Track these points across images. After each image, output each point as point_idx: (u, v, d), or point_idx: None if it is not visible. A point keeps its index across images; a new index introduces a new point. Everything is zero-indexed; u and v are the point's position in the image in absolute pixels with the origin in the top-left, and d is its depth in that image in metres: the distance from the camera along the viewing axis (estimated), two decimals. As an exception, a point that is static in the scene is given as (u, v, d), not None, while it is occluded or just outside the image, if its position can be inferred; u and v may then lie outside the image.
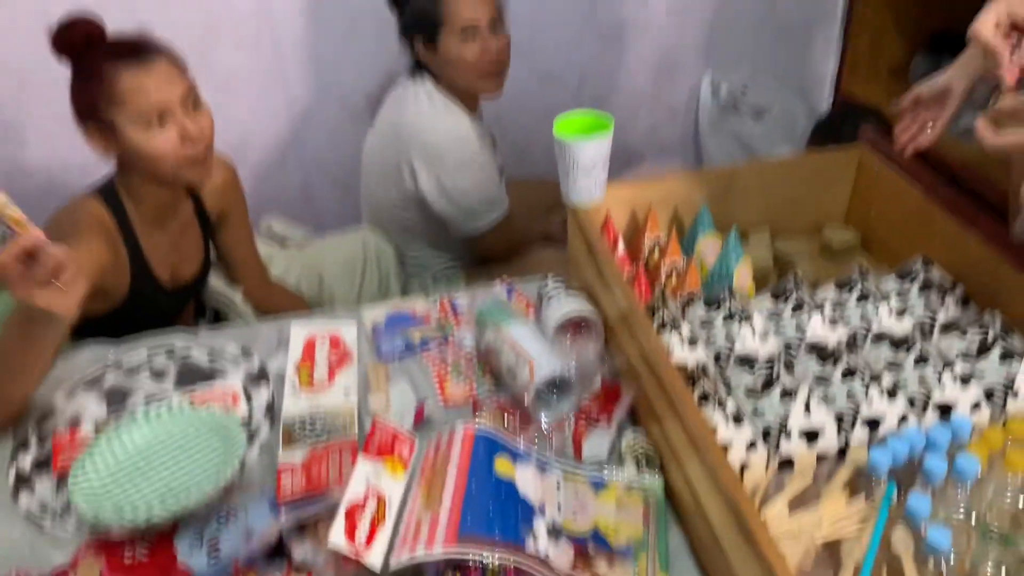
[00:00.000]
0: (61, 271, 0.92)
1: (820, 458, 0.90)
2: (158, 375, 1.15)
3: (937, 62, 2.41)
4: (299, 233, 2.03)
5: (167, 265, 1.42)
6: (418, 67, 1.80)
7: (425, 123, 1.77)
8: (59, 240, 1.21)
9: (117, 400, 1.11)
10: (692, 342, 1.02)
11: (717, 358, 1.02)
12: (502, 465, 0.90)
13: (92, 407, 1.10)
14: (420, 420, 1.06)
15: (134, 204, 1.33)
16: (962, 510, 0.81)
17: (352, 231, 1.98)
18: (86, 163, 1.43)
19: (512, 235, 1.92)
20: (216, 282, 1.63)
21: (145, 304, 1.39)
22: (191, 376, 1.15)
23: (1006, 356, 0.97)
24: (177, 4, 1.95)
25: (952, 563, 0.77)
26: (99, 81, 1.21)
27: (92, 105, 1.22)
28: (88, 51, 1.23)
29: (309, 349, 1.19)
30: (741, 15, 2.41)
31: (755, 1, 2.39)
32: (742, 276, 1.18)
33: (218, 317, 1.65)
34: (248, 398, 1.11)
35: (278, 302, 1.67)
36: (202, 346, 1.21)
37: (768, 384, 0.95)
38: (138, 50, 1.23)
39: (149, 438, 1.02)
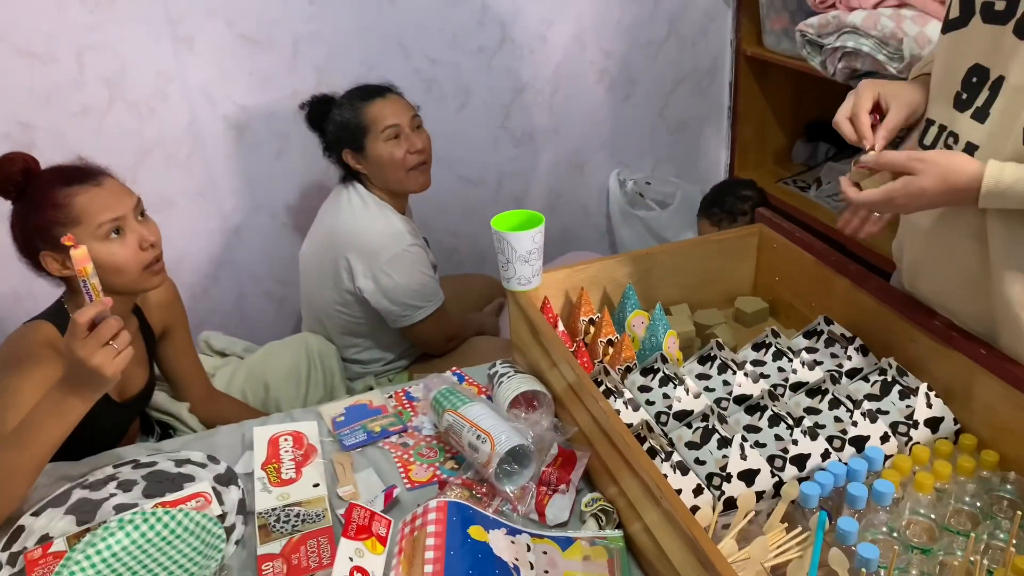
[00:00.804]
0: (117, 336, 1.04)
1: (758, 496, 1.01)
2: (126, 487, 1.17)
3: (814, 147, 2.71)
4: (239, 345, 2.07)
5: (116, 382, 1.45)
6: (349, 175, 1.92)
7: (359, 223, 1.88)
8: (12, 365, 1.25)
9: (86, 514, 1.12)
10: (634, 405, 1.13)
11: (658, 418, 1.14)
12: (476, 531, 0.97)
13: (61, 523, 1.11)
14: (390, 503, 1.12)
15: None
16: (885, 528, 0.93)
17: (293, 336, 2.03)
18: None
19: (447, 327, 2.02)
20: (160, 397, 1.65)
21: (96, 420, 1.41)
22: (160, 485, 1.17)
23: (904, 394, 1.12)
24: (108, 129, 2.03)
25: (881, 575, 0.88)
26: (53, 206, 1.27)
27: (46, 230, 1.27)
28: (28, 183, 1.29)
29: (273, 448, 1.24)
30: (639, 117, 2.65)
31: (649, 104, 2.64)
32: (670, 345, 1.31)
33: (165, 434, 1.66)
34: (219, 499, 1.14)
35: (225, 413, 1.69)
36: (167, 456, 1.24)
37: (706, 436, 1.06)
38: (86, 172, 1.32)
39: (126, 544, 1.03)
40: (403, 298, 1.89)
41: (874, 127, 1.09)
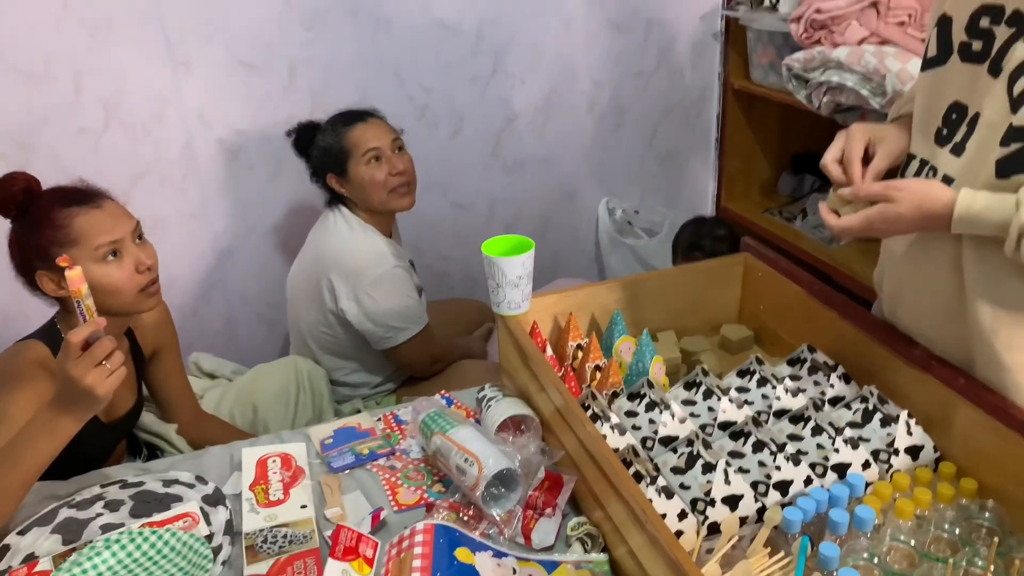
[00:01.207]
0: (110, 356, 1.05)
1: (742, 521, 1.02)
2: (113, 506, 1.18)
3: (800, 179, 2.75)
4: (228, 367, 2.07)
5: None
6: (334, 199, 1.95)
7: (343, 245, 1.91)
8: (2, 384, 1.26)
9: (73, 533, 1.12)
10: (620, 430, 1.15)
11: (644, 442, 1.15)
12: (462, 554, 0.98)
13: (47, 543, 1.11)
14: (377, 525, 1.13)
15: None
16: (865, 554, 0.94)
17: (282, 359, 2.04)
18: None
19: (432, 349, 2.03)
20: (148, 418, 1.65)
21: (84, 439, 1.41)
22: (147, 505, 1.18)
23: (885, 422, 1.14)
24: (104, 150, 2.05)
25: (862, 599, 0.89)
26: (51, 226, 1.28)
27: (43, 250, 1.28)
28: (29, 203, 1.30)
29: (262, 469, 1.25)
30: (628, 146, 2.69)
31: (639, 134, 2.68)
32: (657, 371, 1.32)
33: (152, 455, 1.66)
34: (207, 519, 1.15)
35: (213, 435, 1.69)
36: (155, 476, 1.25)
37: (691, 461, 1.08)
38: (86, 194, 1.33)
39: (112, 564, 1.04)
40: (386, 320, 1.90)
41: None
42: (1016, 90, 0.97)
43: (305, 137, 1.94)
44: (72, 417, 1.09)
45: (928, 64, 1.11)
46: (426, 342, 1.99)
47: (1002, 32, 0.99)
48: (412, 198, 1.96)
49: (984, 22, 1.02)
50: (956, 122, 1.06)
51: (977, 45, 1.02)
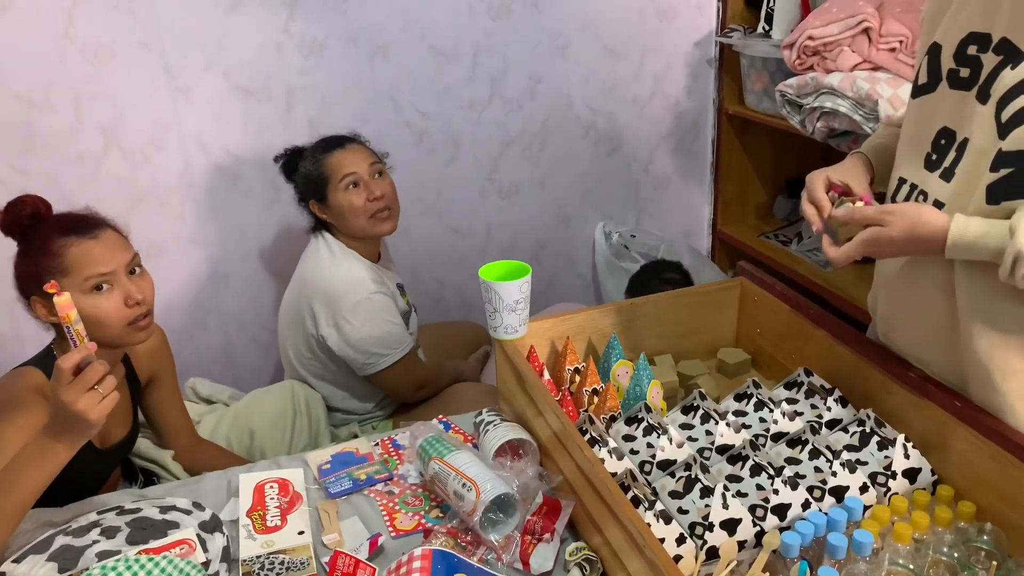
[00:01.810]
0: (102, 381, 1.05)
1: (740, 545, 1.02)
2: (109, 533, 1.17)
3: (795, 203, 2.77)
4: (225, 392, 2.07)
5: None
6: (318, 224, 1.96)
7: (323, 271, 1.90)
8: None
9: (69, 561, 1.12)
10: (618, 454, 1.15)
11: (642, 467, 1.15)
12: (461, 580, 0.98)
13: (43, 570, 1.10)
14: (374, 551, 1.12)
15: None
16: (864, 578, 0.94)
17: (279, 383, 2.03)
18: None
19: (416, 376, 2.00)
20: (144, 444, 1.64)
21: (78, 466, 1.40)
22: (144, 531, 1.17)
23: (883, 445, 1.14)
24: (103, 176, 2.06)
25: (862, 624, 0.89)
26: (47, 254, 1.29)
27: (38, 276, 1.28)
28: (34, 227, 1.31)
29: (259, 495, 1.24)
30: (624, 171, 2.71)
31: (635, 159, 2.70)
32: (654, 395, 1.33)
33: (148, 481, 1.65)
34: (204, 546, 1.14)
35: (209, 461, 1.68)
36: (151, 502, 1.24)
37: (689, 485, 1.08)
38: (86, 224, 1.33)
39: (108, 592, 1.03)
40: (366, 346, 1.89)
41: (845, 194, 1.15)
42: (1004, 116, 0.98)
43: (292, 162, 1.95)
44: (65, 443, 1.09)
45: (918, 91, 1.13)
46: (409, 368, 1.96)
47: (989, 60, 1.01)
48: (394, 223, 1.94)
49: (972, 49, 1.04)
50: (945, 147, 1.07)
51: (965, 72, 1.04)
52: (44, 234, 1.31)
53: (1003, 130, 0.99)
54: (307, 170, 1.91)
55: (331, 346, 1.90)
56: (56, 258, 1.29)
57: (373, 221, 1.90)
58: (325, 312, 1.88)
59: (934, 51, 1.10)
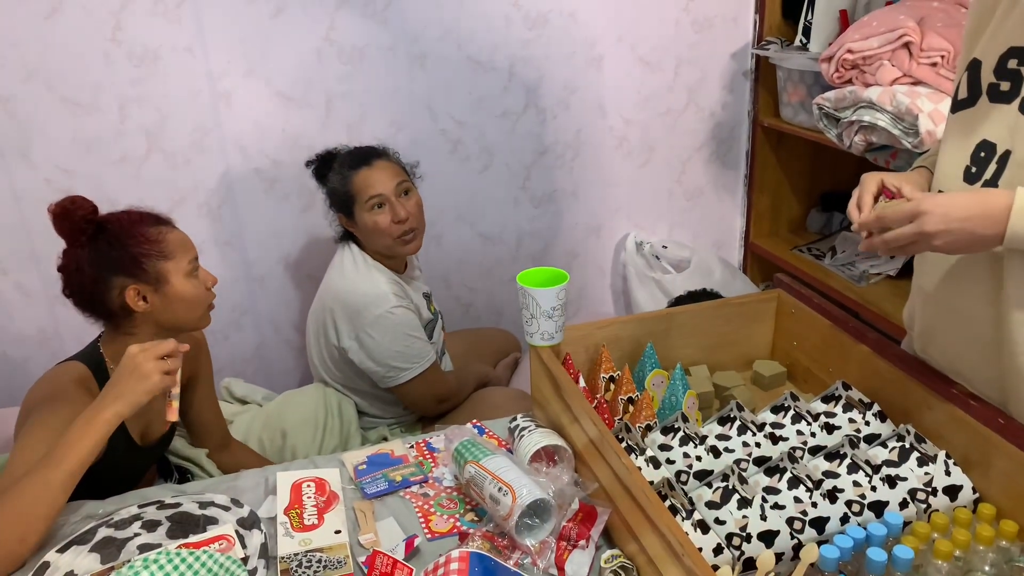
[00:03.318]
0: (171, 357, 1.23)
1: (778, 558, 1.01)
2: (150, 527, 1.19)
3: (829, 216, 2.76)
4: (259, 393, 2.10)
5: (139, 424, 1.48)
6: (346, 235, 1.97)
7: (347, 283, 1.91)
8: (46, 402, 1.29)
9: (111, 552, 1.13)
10: (655, 463, 1.15)
11: (678, 476, 1.15)
12: (498, 583, 0.98)
13: (86, 561, 1.12)
14: (410, 552, 1.13)
15: (116, 364, 1.40)
16: (904, 594, 0.93)
17: (311, 385, 2.05)
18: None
19: (437, 389, 1.99)
20: (179, 442, 1.67)
21: (118, 461, 1.43)
22: (183, 526, 1.19)
23: (923, 461, 1.13)
24: (144, 177, 2.10)
25: (902, 639, 0.88)
26: (147, 241, 1.38)
27: (135, 263, 1.37)
28: (92, 226, 1.35)
29: (296, 494, 1.26)
30: (656, 182, 2.71)
31: (667, 170, 2.71)
32: (690, 405, 1.33)
33: (183, 478, 1.68)
34: (242, 542, 1.16)
35: (240, 462, 1.71)
36: (191, 498, 1.26)
37: (726, 496, 1.07)
38: (164, 218, 1.46)
39: (150, 585, 1.05)
40: (386, 359, 1.89)
41: (894, 198, 1.13)
42: None
43: (324, 166, 1.97)
44: (113, 410, 1.17)
45: (957, 106, 1.13)
46: (431, 381, 1.96)
47: None
48: (418, 243, 1.94)
49: (1012, 63, 1.04)
50: (985, 160, 1.07)
51: (1005, 86, 1.04)
52: (129, 225, 1.38)
53: None
54: (334, 185, 1.92)
55: (352, 358, 1.91)
56: (158, 244, 1.39)
57: (398, 242, 1.90)
58: (347, 325, 1.89)
59: (974, 67, 1.09)
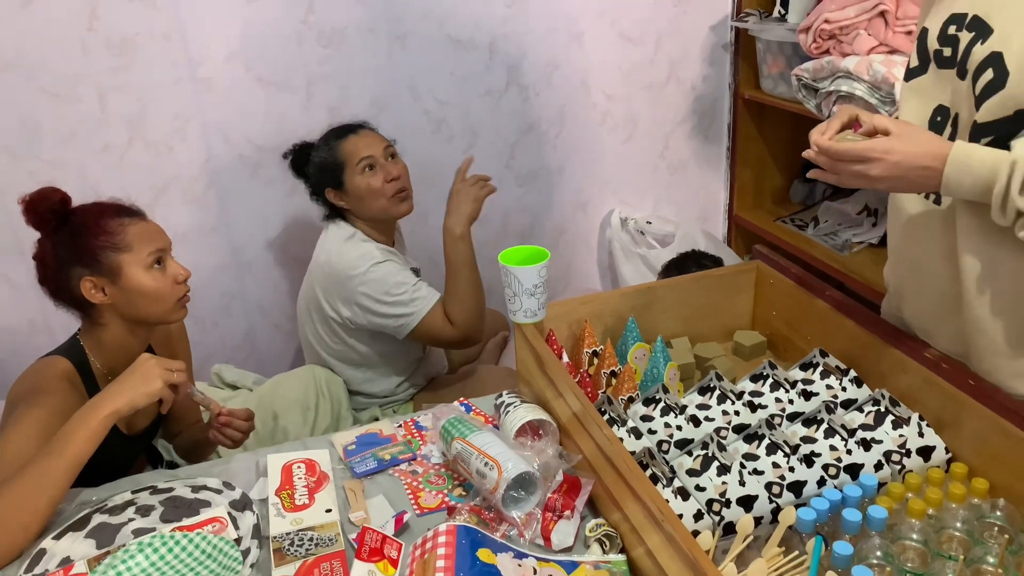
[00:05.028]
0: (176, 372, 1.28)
1: (757, 521, 1.04)
2: (144, 511, 1.21)
3: (811, 187, 2.78)
4: (249, 378, 2.11)
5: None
6: (332, 212, 1.98)
7: (330, 256, 1.93)
8: (31, 397, 1.31)
9: (106, 538, 1.16)
10: (637, 434, 1.17)
11: (660, 446, 1.18)
12: (484, 554, 1.01)
13: (82, 547, 1.14)
14: (400, 527, 1.16)
15: (97, 357, 1.43)
16: (878, 553, 0.96)
17: (301, 368, 2.07)
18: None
19: (466, 315, 1.90)
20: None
21: (105, 451, 1.45)
22: (177, 510, 1.21)
23: (897, 424, 1.16)
24: (127, 166, 2.10)
25: (876, 596, 0.91)
26: (105, 233, 1.36)
27: (92, 255, 1.35)
28: (65, 216, 1.35)
29: (287, 475, 1.28)
30: (640, 157, 2.72)
31: (651, 144, 2.72)
32: (671, 377, 1.35)
33: (171, 465, 1.70)
34: (235, 523, 1.18)
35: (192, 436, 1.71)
36: (183, 482, 1.28)
37: (706, 463, 1.10)
38: (130, 209, 1.43)
39: (145, 567, 1.07)
40: (390, 310, 1.89)
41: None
42: (977, 89, 1.02)
43: (301, 157, 1.98)
44: (113, 405, 1.19)
45: (910, 75, 1.17)
46: (444, 315, 1.91)
47: (964, 37, 1.05)
48: (410, 203, 1.97)
49: (951, 29, 1.08)
50: (941, 124, 1.11)
51: (947, 51, 1.08)
52: (94, 216, 1.37)
53: (977, 103, 1.02)
54: (321, 158, 1.93)
55: (359, 323, 1.92)
56: (116, 235, 1.36)
57: (392, 201, 1.92)
58: (341, 293, 1.91)
59: (923, 35, 1.14)
